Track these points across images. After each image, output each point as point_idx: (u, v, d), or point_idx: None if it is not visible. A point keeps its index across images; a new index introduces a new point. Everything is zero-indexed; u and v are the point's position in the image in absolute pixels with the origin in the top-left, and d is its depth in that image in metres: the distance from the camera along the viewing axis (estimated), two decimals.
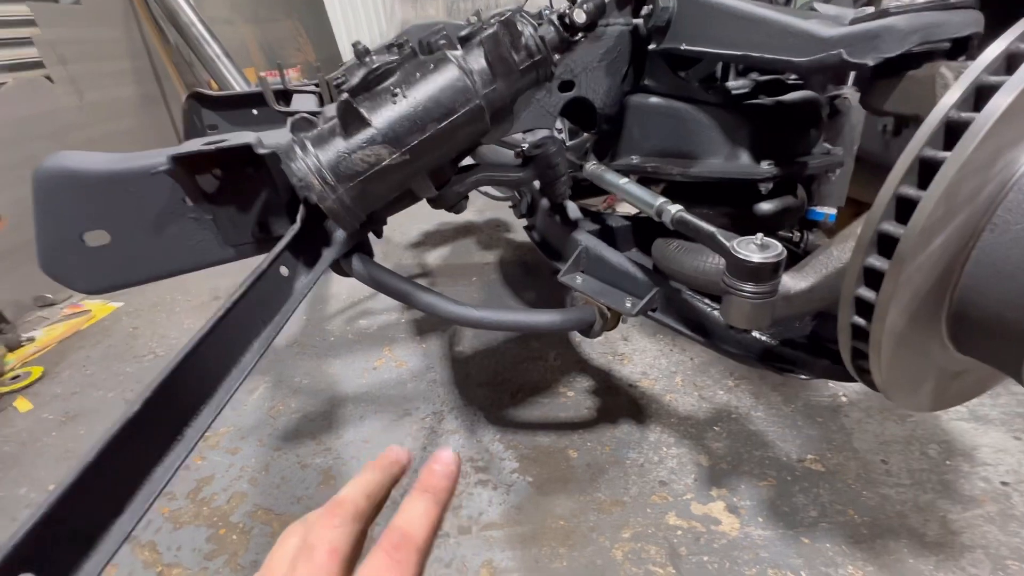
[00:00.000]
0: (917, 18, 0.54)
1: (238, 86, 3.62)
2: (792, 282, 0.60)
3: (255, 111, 1.62)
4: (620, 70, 0.92)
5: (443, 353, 1.67)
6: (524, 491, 1.17)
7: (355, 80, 0.67)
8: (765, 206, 0.82)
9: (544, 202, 1.15)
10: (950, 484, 1.09)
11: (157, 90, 3.37)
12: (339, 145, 0.65)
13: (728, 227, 0.87)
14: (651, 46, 0.87)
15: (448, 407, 1.43)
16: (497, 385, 1.50)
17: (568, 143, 1.03)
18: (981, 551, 0.96)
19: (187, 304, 2.16)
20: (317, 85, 1.52)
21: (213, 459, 1.35)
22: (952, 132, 0.41)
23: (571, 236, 1.02)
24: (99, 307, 2.22)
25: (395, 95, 0.66)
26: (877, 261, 0.45)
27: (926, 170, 0.42)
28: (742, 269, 0.57)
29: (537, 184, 0.96)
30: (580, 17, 0.72)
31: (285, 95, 1.50)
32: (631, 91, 0.94)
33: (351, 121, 0.65)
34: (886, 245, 0.45)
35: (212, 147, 0.68)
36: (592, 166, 0.93)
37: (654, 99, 0.90)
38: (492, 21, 0.68)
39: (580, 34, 0.74)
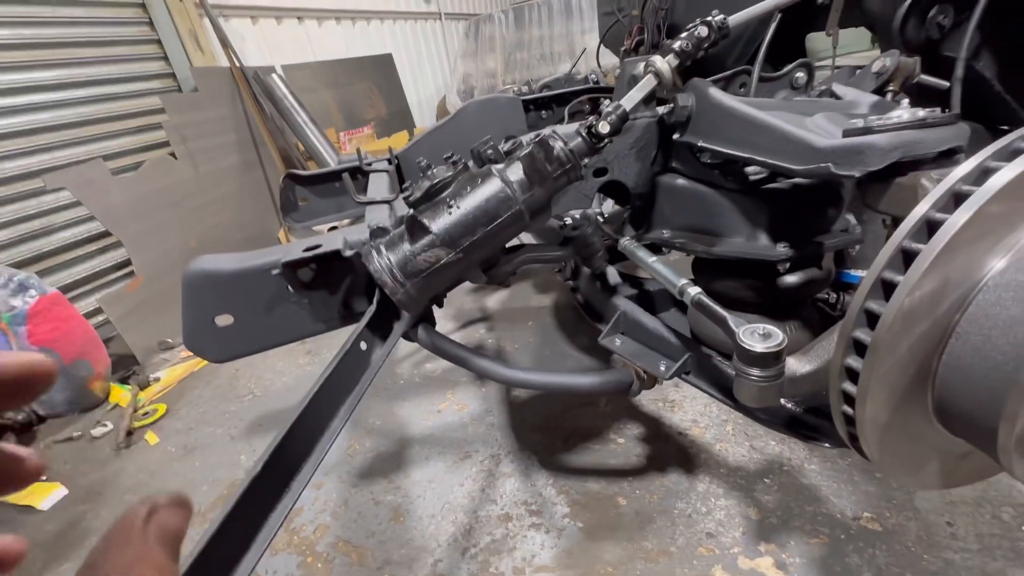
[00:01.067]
0: (898, 136, 0.60)
1: (321, 148, 4.08)
2: (798, 365, 0.66)
3: (336, 185, 1.89)
4: (649, 155, 1.02)
5: (501, 397, 1.79)
6: (574, 536, 1.24)
7: (419, 194, 0.83)
8: (789, 279, 0.87)
9: (587, 268, 1.26)
10: None
11: (255, 157, 3.88)
12: (405, 248, 0.81)
13: (752, 299, 0.94)
14: (675, 135, 0.97)
15: (505, 451, 1.54)
16: (550, 430, 1.59)
17: (606, 216, 1.14)
18: None
19: (279, 349, 2.44)
20: (390, 161, 1.74)
21: (303, 494, 1.54)
22: (907, 257, 0.48)
23: (611, 301, 1.12)
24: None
25: (450, 206, 0.81)
26: (853, 361, 0.52)
27: (887, 289, 0.49)
28: (747, 356, 0.64)
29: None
30: (605, 128, 0.84)
31: (362, 172, 1.74)
32: (661, 171, 1.04)
33: (415, 230, 0.81)
34: (860, 348, 0.51)
35: (311, 253, 0.86)
36: (626, 241, 1.03)
37: (681, 180, 0.99)
38: (529, 141, 0.82)
39: (606, 141, 0.86)
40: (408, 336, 1.06)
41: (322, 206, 1.93)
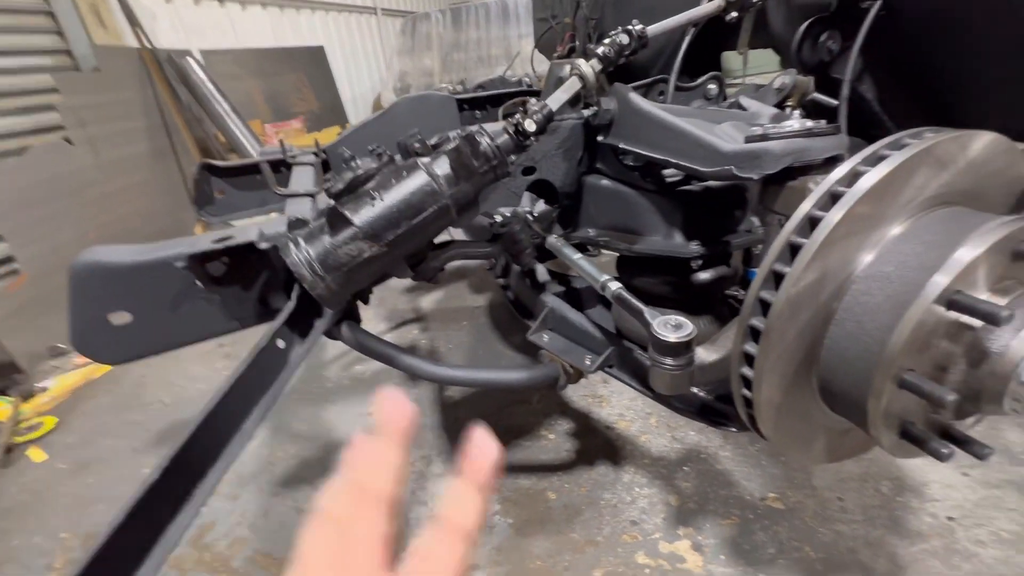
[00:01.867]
0: (789, 143, 0.66)
1: (244, 139, 3.84)
2: (706, 354, 0.71)
3: (258, 177, 1.78)
4: (575, 156, 1.05)
5: (433, 398, 1.77)
6: (504, 532, 1.25)
7: (341, 185, 0.81)
8: (702, 276, 0.93)
9: (516, 266, 1.27)
10: (900, 520, 1.17)
11: (168, 145, 3.58)
12: (326, 241, 0.78)
13: (670, 295, 0.99)
14: (599, 137, 1.00)
15: (436, 451, 1.52)
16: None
17: (535, 214, 1.16)
18: None
19: (192, 352, 2.26)
20: (316, 154, 1.67)
21: (214, 505, 1.43)
22: (793, 251, 0.53)
23: (539, 298, 1.13)
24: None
25: (373, 198, 0.79)
26: (750, 347, 0.56)
27: (778, 279, 0.54)
28: (660, 346, 0.68)
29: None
30: (531, 127, 0.85)
31: (285, 164, 1.65)
32: (587, 172, 1.08)
33: (336, 221, 0.78)
34: (756, 334, 0.56)
35: (221, 245, 0.81)
36: (553, 239, 1.06)
37: (605, 181, 1.03)
38: (456, 136, 0.82)
39: (532, 138, 0.87)
40: (331, 334, 1.02)
41: (242, 200, 1.82)
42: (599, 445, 1.48)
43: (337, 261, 0.78)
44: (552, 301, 1.10)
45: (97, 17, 3.18)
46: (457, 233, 1.50)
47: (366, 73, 6.85)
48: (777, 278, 0.54)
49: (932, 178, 0.53)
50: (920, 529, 1.14)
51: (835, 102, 1.09)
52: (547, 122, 0.87)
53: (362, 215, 0.78)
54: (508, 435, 1.55)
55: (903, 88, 1.16)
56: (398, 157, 0.89)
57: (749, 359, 0.57)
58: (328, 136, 4.58)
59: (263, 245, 0.83)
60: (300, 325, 0.91)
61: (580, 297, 1.18)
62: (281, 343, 0.86)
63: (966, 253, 0.48)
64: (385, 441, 0.33)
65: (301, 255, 0.77)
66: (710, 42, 1.49)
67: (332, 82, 5.85)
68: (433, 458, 1.50)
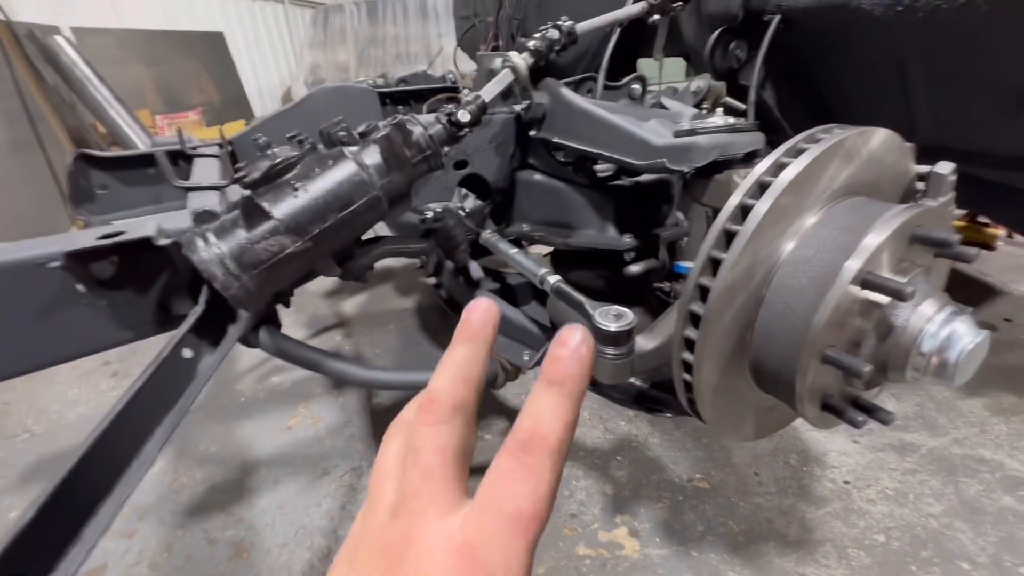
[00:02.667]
0: (715, 138, 0.70)
1: (129, 130, 3.42)
2: (644, 342, 0.73)
3: (151, 171, 1.58)
4: (508, 150, 1.04)
5: (362, 406, 1.67)
6: None
7: (257, 174, 0.73)
8: (633, 268, 0.96)
9: (449, 263, 1.24)
10: (806, 488, 1.29)
11: (31, 134, 3.09)
12: (241, 236, 0.70)
13: (603, 287, 1.01)
14: (531, 132, 1.00)
15: (368, 462, 1.44)
16: None
17: (467, 209, 1.13)
18: (829, 544, 1.14)
19: (71, 372, 1.97)
20: (221, 146, 1.52)
21: (105, 546, 1.24)
22: (728, 238, 0.56)
23: (474, 295, 1.11)
24: None
25: (296, 188, 0.72)
26: (690, 332, 0.58)
27: (715, 265, 0.56)
28: (602, 336, 0.68)
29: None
30: (464, 117, 0.83)
31: (184, 157, 1.48)
32: (519, 167, 1.07)
33: (253, 214, 0.70)
34: (696, 320, 0.58)
35: (110, 242, 0.69)
36: (488, 234, 1.04)
37: (538, 176, 1.03)
38: (386, 124, 0.77)
39: (466, 129, 0.85)
40: (247, 341, 0.92)
41: (130, 196, 1.60)
42: None
43: (255, 258, 0.70)
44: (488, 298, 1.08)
45: None
46: (383, 230, 1.44)
47: (273, 65, 6.41)
48: (714, 264, 0.56)
49: (842, 169, 0.58)
50: (823, 494, 1.27)
51: (743, 106, 1.18)
52: (481, 113, 0.85)
53: (283, 207, 0.71)
54: None
55: (798, 96, 1.28)
56: (320, 147, 0.83)
57: (689, 344, 0.59)
58: (231, 130, 4.22)
59: (162, 241, 0.73)
60: (210, 332, 0.80)
61: (515, 293, 1.17)
62: (188, 353, 0.76)
63: (873, 238, 0.53)
64: (468, 347, 0.31)
65: (211, 252, 0.68)
66: (629, 48, 1.56)
67: (235, 72, 5.41)
68: (364, 469, 1.42)
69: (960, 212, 2.57)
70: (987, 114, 1.00)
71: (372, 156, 0.76)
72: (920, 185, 0.67)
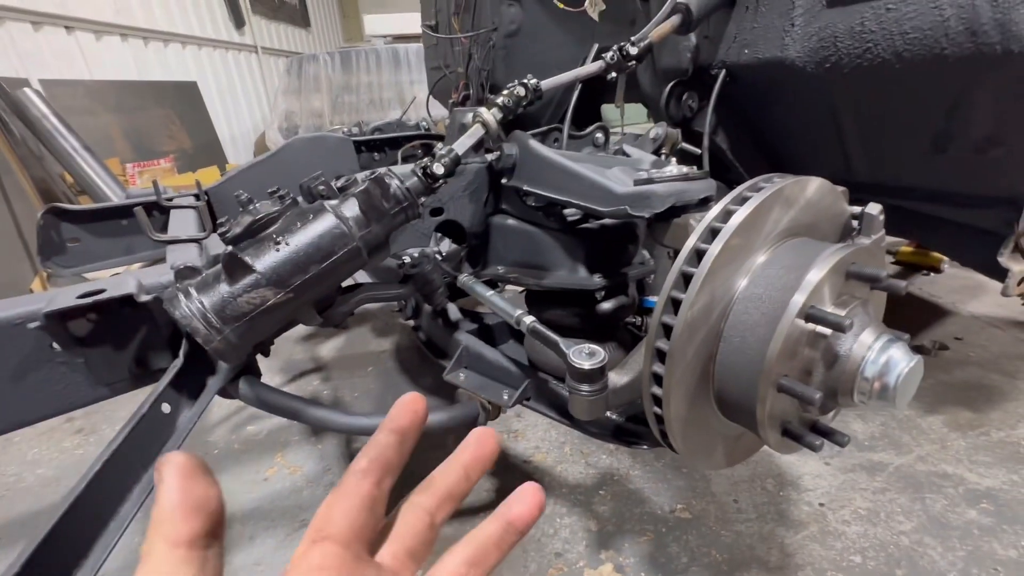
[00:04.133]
0: (671, 186, 0.77)
1: (99, 179, 3.38)
2: (617, 377, 0.76)
3: (124, 222, 1.58)
4: (481, 197, 1.10)
5: (341, 452, 1.65)
6: None
7: (239, 229, 0.75)
8: (605, 306, 1.01)
9: (427, 306, 1.26)
10: (784, 512, 1.32)
11: None
12: (223, 290, 0.72)
13: (577, 325, 1.05)
14: (503, 180, 1.06)
15: None
16: (400, 478, 1.51)
17: (443, 253, 1.17)
18: (810, 568, 1.17)
19: (30, 431, 1.88)
20: (197, 197, 1.53)
21: None
22: (687, 279, 0.61)
23: (453, 336, 1.13)
24: None
25: (278, 242, 0.75)
26: (658, 367, 0.62)
27: (676, 304, 0.61)
28: (577, 373, 0.72)
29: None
30: (439, 170, 0.87)
31: (160, 208, 1.49)
32: (493, 212, 1.12)
33: (235, 268, 0.72)
34: (662, 356, 0.62)
35: (90, 300, 0.70)
36: (464, 278, 1.07)
37: (511, 221, 1.08)
38: (364, 178, 0.81)
39: (440, 181, 0.89)
40: (226, 392, 0.92)
41: (101, 248, 1.60)
42: (518, 480, 1.46)
43: (237, 311, 0.72)
44: (466, 339, 1.11)
45: None
46: (361, 275, 1.46)
47: (247, 111, 6.48)
48: (675, 304, 0.61)
49: (783, 214, 0.64)
50: (800, 518, 1.30)
51: (698, 151, 1.27)
52: (455, 166, 0.90)
53: (265, 260, 0.73)
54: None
55: (748, 140, 1.39)
56: (300, 200, 0.86)
57: (658, 378, 0.63)
58: (206, 177, 4.21)
59: (144, 298, 0.74)
60: (189, 385, 0.81)
61: (492, 333, 1.20)
62: (166, 407, 0.75)
63: (814, 275, 0.58)
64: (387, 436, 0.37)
65: (193, 306, 0.70)
66: (592, 96, 1.67)
67: (208, 119, 5.45)
68: None
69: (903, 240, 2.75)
70: (912, 155, 1.11)
71: (351, 209, 0.80)
72: (855, 223, 0.74)
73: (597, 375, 0.72)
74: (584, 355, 0.72)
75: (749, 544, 1.24)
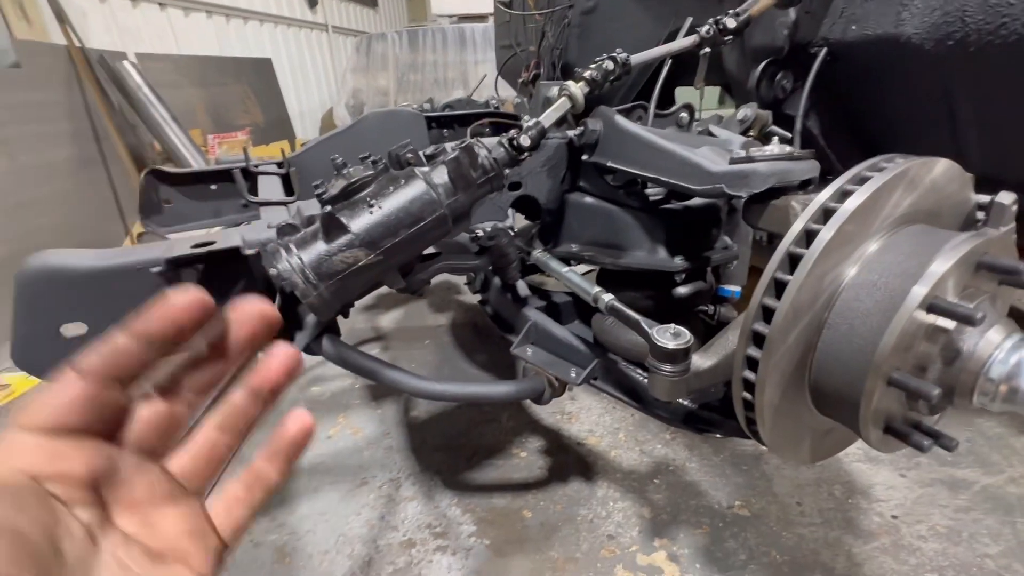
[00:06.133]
0: (774, 165, 0.73)
1: (184, 149, 3.63)
2: (701, 361, 0.74)
3: (213, 187, 1.68)
4: (559, 174, 1.09)
5: (399, 419, 1.71)
6: (482, 555, 1.21)
7: (335, 191, 0.78)
8: (681, 290, 0.99)
9: (496, 280, 1.28)
10: (852, 520, 1.25)
11: (96, 152, 3.30)
12: (320, 248, 0.75)
13: (651, 308, 1.03)
14: (584, 156, 1.04)
15: (405, 473, 1.47)
16: (453, 449, 1.55)
17: (516, 230, 1.17)
18: None
19: None
20: (280, 164, 1.61)
21: None
22: (793, 261, 0.58)
23: (521, 312, 1.14)
24: (20, 381, 2.07)
25: (371, 205, 0.77)
26: (753, 351, 0.60)
27: (779, 287, 0.58)
28: (660, 353, 0.70)
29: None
30: (526, 142, 0.87)
31: (248, 174, 1.57)
32: (570, 190, 1.11)
33: (332, 228, 0.75)
34: (759, 339, 0.60)
35: (204, 251, 0.75)
36: (539, 253, 1.07)
37: (588, 199, 1.07)
38: (454, 147, 0.82)
39: (526, 153, 0.89)
40: (309, 349, 0.97)
41: (191, 210, 1.71)
42: (571, 461, 1.49)
43: (332, 269, 0.75)
44: (535, 315, 1.11)
45: (20, 9, 2.93)
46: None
47: (315, 88, 6.71)
48: (779, 286, 0.58)
49: (905, 197, 0.60)
50: (871, 528, 1.23)
51: (789, 135, 1.20)
52: (540, 138, 0.90)
53: (359, 222, 0.76)
54: (478, 455, 1.52)
55: (844, 126, 1.30)
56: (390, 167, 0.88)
57: (752, 363, 0.61)
58: (274, 150, 4.41)
59: (248, 251, 0.79)
60: (280, 338, 0.85)
61: (559, 311, 1.20)
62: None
63: (940, 265, 0.54)
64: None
65: (293, 261, 0.74)
66: (669, 77, 1.60)
67: (279, 95, 5.68)
68: (402, 481, 1.44)
69: None
70: None
71: (441, 176, 0.81)
72: (980, 214, 0.68)
73: (681, 356, 0.70)
74: (669, 335, 0.71)
75: (813, 548, 1.19)
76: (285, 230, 0.77)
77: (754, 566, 1.15)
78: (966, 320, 0.51)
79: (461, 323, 2.33)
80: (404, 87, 4.94)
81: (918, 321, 0.54)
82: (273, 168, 1.60)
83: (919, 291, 0.53)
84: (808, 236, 0.58)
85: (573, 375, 1.01)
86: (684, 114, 1.15)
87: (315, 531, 1.30)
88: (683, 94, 1.85)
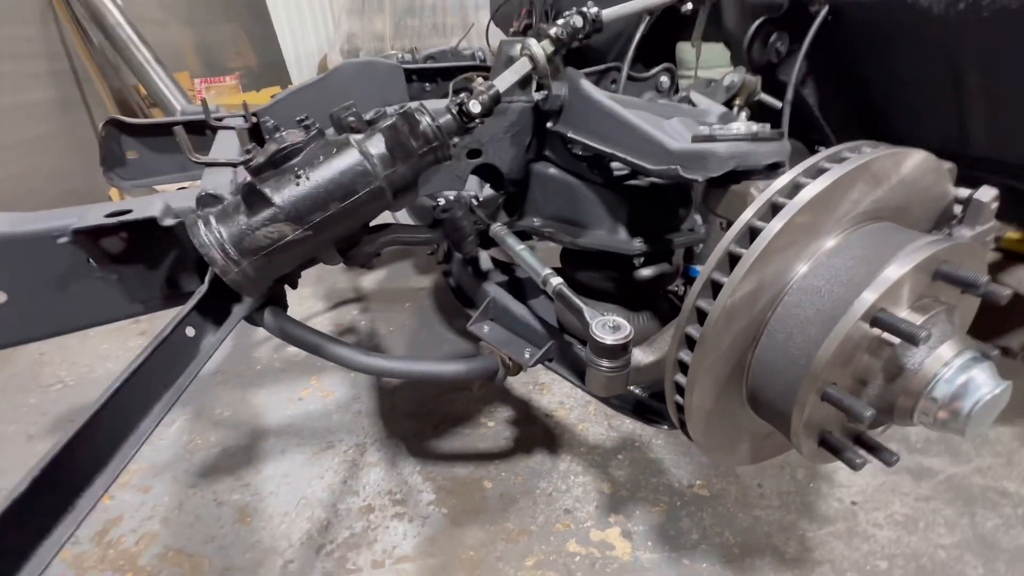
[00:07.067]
0: (734, 146, 0.66)
1: (168, 93, 3.49)
2: (643, 355, 0.70)
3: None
4: (524, 141, 1.01)
5: (371, 383, 1.70)
6: (439, 523, 1.23)
7: (262, 158, 0.72)
8: (644, 272, 0.93)
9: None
10: (811, 505, 1.25)
11: (78, 94, 3.19)
12: (242, 221, 0.70)
13: (611, 290, 0.98)
14: (548, 124, 0.96)
15: (371, 439, 1.47)
16: (422, 416, 1.55)
17: (480, 199, 1.11)
18: (828, 565, 1.11)
19: (103, 329, 2.06)
20: (245, 118, 1.52)
21: (123, 498, 1.32)
22: (732, 260, 0.52)
23: (481, 286, 1.10)
24: None
25: (298, 176, 0.72)
26: (685, 354, 0.56)
27: (716, 288, 0.53)
28: (598, 347, 0.66)
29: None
30: (476, 108, 0.80)
31: (210, 127, 1.50)
32: (535, 159, 1.04)
33: (254, 200, 0.70)
34: (691, 342, 0.55)
35: (115, 220, 0.71)
36: (497, 228, 1.01)
37: (553, 170, 1.00)
38: (392, 112, 0.75)
39: (477, 120, 0.82)
40: (252, 320, 0.93)
41: (160, 163, 1.64)
42: (538, 433, 1.49)
43: (255, 244, 0.70)
44: (494, 291, 1.07)
45: None
46: (402, 214, 1.43)
47: (312, 31, 6.38)
48: (715, 287, 0.53)
49: (867, 193, 0.54)
50: (828, 513, 1.23)
51: (779, 104, 1.11)
52: (493, 104, 0.82)
53: (284, 194, 0.70)
54: (446, 423, 1.52)
55: (842, 96, 1.20)
56: (330, 131, 0.82)
57: (683, 366, 0.57)
58: (265, 97, 4.24)
59: (168, 222, 0.74)
60: (214, 311, 0.82)
61: (523, 287, 1.15)
62: (190, 331, 0.77)
63: (893, 271, 0.49)
64: None
65: (211, 236, 0.69)
66: (666, 31, 1.47)
67: (274, 38, 5.41)
68: (368, 446, 1.45)
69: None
70: None
71: (377, 146, 0.75)
72: (957, 209, 0.61)
73: (619, 352, 0.66)
74: (608, 328, 0.67)
75: (766, 531, 1.19)
76: (205, 200, 0.72)
77: (705, 546, 1.16)
78: (909, 339, 0.46)
79: (443, 287, 2.29)
80: (401, 32, 4.68)
81: (861, 333, 0.50)
82: (237, 122, 1.52)
83: (865, 300, 0.48)
84: (752, 233, 0.52)
85: (527, 355, 0.98)
86: (664, 78, 1.05)
87: (278, 493, 1.32)
88: (684, 51, 1.72)
